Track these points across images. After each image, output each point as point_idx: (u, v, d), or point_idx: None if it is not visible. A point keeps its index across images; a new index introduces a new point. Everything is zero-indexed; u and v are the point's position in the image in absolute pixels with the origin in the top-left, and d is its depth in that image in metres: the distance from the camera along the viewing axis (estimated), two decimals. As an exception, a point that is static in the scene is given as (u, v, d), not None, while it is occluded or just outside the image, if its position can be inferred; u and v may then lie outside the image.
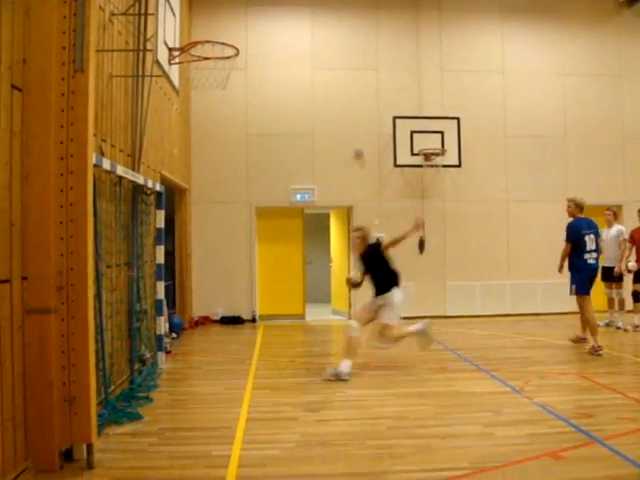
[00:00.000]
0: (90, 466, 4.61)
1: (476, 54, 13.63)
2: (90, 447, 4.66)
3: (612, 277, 11.29)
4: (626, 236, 11.20)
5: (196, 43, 10.16)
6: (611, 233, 11.34)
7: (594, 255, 9.25)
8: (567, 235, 9.33)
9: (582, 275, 9.22)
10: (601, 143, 13.66)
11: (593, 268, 9.31)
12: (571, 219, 9.50)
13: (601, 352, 8.87)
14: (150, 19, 8.02)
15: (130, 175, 6.92)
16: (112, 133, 6.81)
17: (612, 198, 13.08)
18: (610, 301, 11.62)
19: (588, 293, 9.25)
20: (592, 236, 9.26)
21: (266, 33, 13.25)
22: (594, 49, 13.80)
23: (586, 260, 9.20)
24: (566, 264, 9.48)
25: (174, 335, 10.53)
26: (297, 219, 13.59)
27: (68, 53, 4.63)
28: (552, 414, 5.89)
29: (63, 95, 4.62)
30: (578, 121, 13.66)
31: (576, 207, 9.43)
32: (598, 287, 11.86)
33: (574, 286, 9.28)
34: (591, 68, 13.77)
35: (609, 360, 8.76)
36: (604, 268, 11.41)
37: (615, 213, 11.68)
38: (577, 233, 9.22)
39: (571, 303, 13.18)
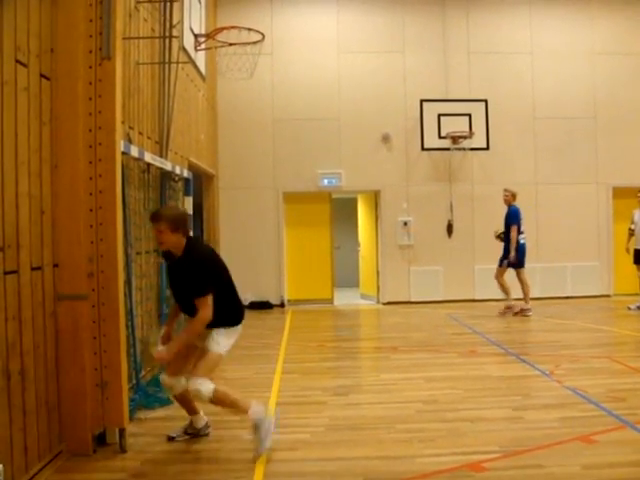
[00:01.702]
0: (123, 450, 4.68)
1: (504, 35, 13.41)
2: (122, 431, 4.72)
3: (644, 260, 11.26)
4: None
5: (222, 29, 10.11)
6: (642, 216, 11.28)
7: (523, 235, 11.07)
8: (513, 220, 10.93)
9: (520, 252, 10.91)
10: (632, 124, 13.36)
11: (525, 246, 11.09)
12: (508, 206, 11.15)
13: (530, 313, 10.93)
14: (176, 6, 8.02)
15: (158, 162, 6.97)
16: (139, 120, 6.85)
17: (643, 180, 12.86)
18: (642, 284, 11.51)
19: (524, 266, 11.09)
20: (522, 220, 11.03)
21: (292, 17, 13.20)
22: (626, 27, 13.46)
23: (519, 240, 10.93)
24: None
25: (203, 320, 10.59)
26: (324, 204, 13.57)
27: (95, 41, 4.64)
28: (583, 398, 5.84)
29: (90, 83, 4.63)
30: (608, 102, 13.39)
31: (512, 196, 11.14)
32: (630, 270, 11.77)
33: (506, 261, 11.03)
34: (622, 47, 13.43)
35: (641, 343, 8.68)
36: (636, 251, 11.30)
37: (647, 195, 11.57)
38: (518, 218, 10.92)
39: (602, 286, 13.22)
